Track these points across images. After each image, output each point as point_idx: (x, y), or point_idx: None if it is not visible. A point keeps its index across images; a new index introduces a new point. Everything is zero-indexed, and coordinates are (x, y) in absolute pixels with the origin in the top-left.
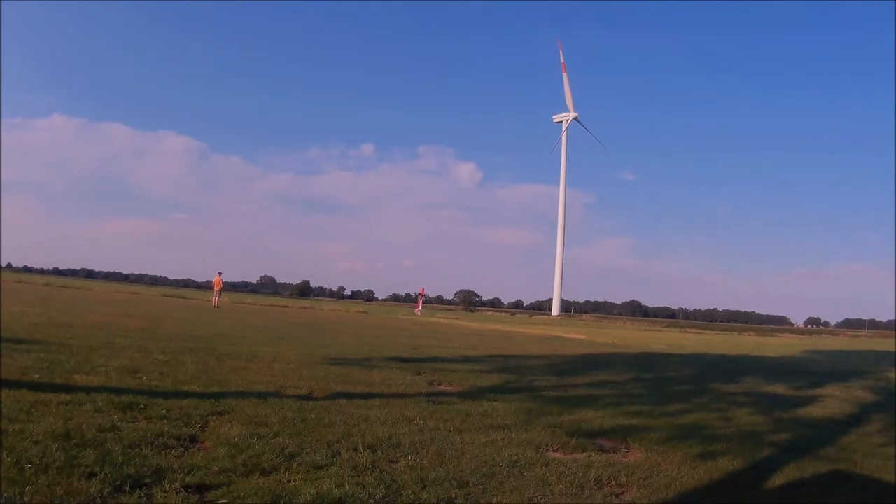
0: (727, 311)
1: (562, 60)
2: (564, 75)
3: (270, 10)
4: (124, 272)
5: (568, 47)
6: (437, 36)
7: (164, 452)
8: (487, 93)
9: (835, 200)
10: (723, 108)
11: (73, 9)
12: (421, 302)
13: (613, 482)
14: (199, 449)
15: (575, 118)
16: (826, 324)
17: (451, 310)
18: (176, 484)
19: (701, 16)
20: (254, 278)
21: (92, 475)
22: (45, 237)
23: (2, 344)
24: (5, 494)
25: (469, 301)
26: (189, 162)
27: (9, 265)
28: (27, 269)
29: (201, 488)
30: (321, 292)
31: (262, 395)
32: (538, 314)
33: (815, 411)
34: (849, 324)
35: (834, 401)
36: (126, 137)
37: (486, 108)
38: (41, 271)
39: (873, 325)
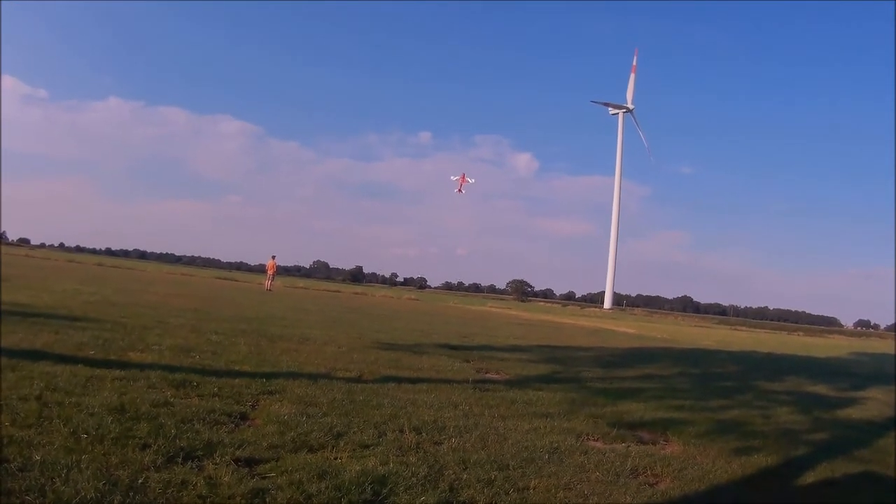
0: (778, 311)
1: (634, 63)
2: (632, 75)
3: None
4: (177, 254)
5: (627, 37)
6: (494, 23)
7: (215, 428)
8: (545, 83)
9: (890, 199)
10: (782, 101)
11: None
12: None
13: (649, 472)
14: (249, 426)
15: (629, 111)
16: (876, 326)
17: (502, 299)
18: (227, 457)
19: (761, 4)
20: (307, 263)
21: (146, 446)
22: (98, 217)
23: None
24: (63, 461)
25: (521, 291)
26: (245, 145)
27: (61, 245)
28: (79, 249)
29: (251, 462)
30: (373, 278)
31: (312, 377)
32: (589, 306)
33: (854, 413)
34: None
35: (875, 403)
36: (182, 120)
37: (543, 99)
38: (93, 251)
39: None
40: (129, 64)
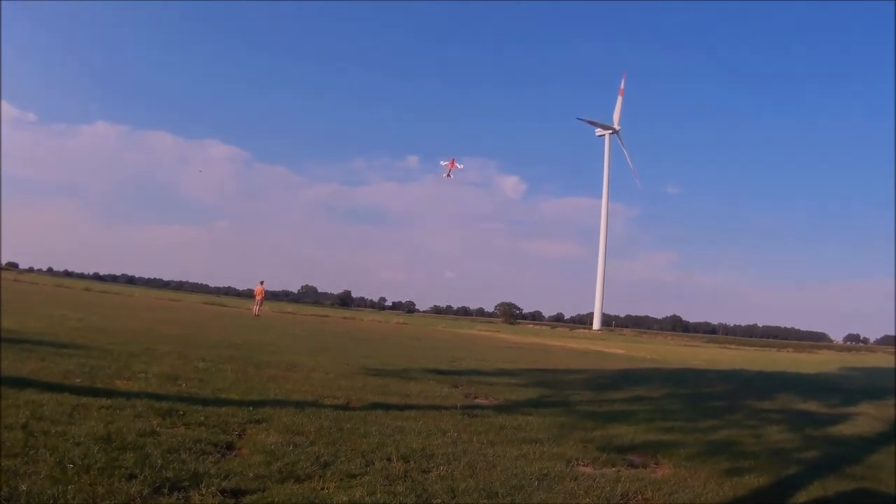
0: (767, 327)
1: (621, 87)
2: (620, 98)
3: (313, 21)
4: (165, 279)
5: (613, 59)
6: (481, 47)
7: (201, 458)
8: (531, 105)
9: (873, 213)
10: (767, 121)
11: (116, 15)
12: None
13: (640, 496)
14: (235, 455)
15: (616, 132)
16: (865, 340)
17: (491, 322)
18: (212, 488)
19: (747, 26)
20: (295, 287)
21: (132, 477)
22: (85, 242)
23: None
24: (49, 492)
25: (510, 314)
26: (233, 170)
27: (49, 269)
28: (67, 274)
29: (237, 493)
30: (362, 303)
31: (299, 405)
32: (579, 328)
33: (845, 429)
34: (888, 340)
35: (866, 418)
36: (170, 145)
37: (530, 122)
38: (81, 276)
39: None
40: (117, 88)
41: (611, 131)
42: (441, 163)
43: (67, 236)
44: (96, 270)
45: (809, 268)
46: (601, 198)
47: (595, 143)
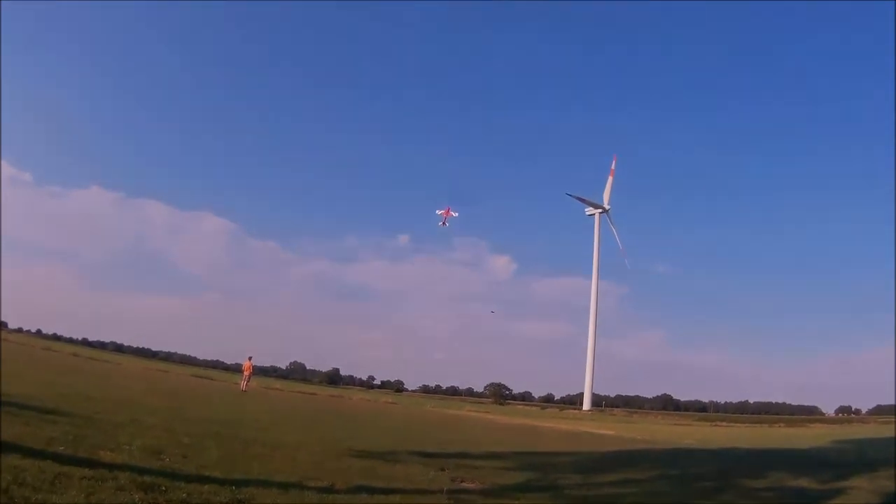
0: (758, 403)
1: (612, 167)
2: (610, 178)
3: (305, 99)
4: (153, 349)
5: (603, 137)
6: (470, 126)
7: None
8: (522, 185)
9: (860, 284)
10: (753, 200)
11: (115, 82)
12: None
13: None
14: None
15: (605, 211)
16: (858, 411)
17: (480, 402)
18: None
19: (731, 105)
20: (283, 363)
21: None
22: (75, 306)
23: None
24: None
25: (499, 394)
26: (225, 243)
27: (38, 331)
28: (56, 337)
29: None
30: (350, 381)
31: (283, 486)
32: (569, 408)
33: None
34: (881, 410)
35: (860, 493)
36: (163, 215)
37: (521, 201)
38: (70, 340)
39: None
40: (113, 153)
41: (600, 210)
42: (437, 212)
43: (57, 299)
44: (85, 336)
45: (799, 342)
46: (591, 277)
47: (586, 222)
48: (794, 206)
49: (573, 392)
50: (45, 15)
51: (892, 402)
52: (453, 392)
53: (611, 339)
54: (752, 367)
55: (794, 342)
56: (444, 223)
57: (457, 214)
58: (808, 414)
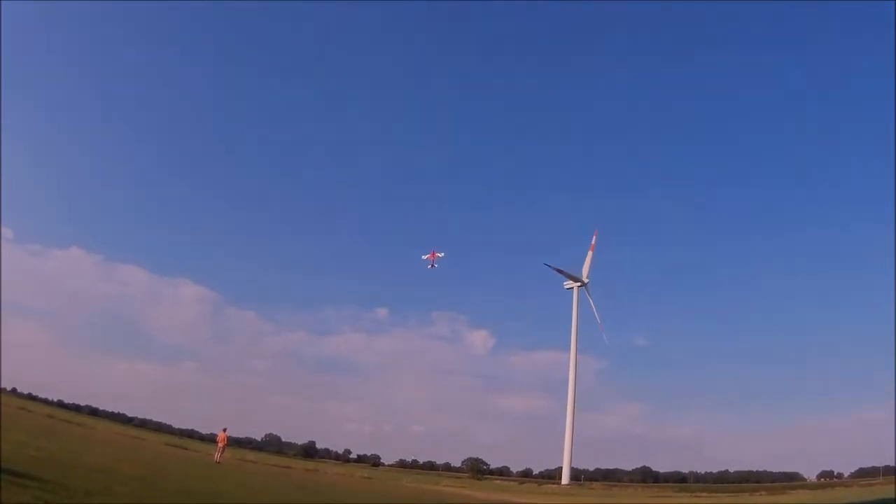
0: (738, 472)
1: (593, 242)
2: (590, 253)
3: (279, 171)
4: (129, 414)
5: (583, 214)
6: (447, 204)
7: None
8: (501, 260)
9: (835, 350)
10: (729, 274)
11: (103, 147)
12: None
13: None
14: None
15: (584, 285)
16: (840, 475)
17: (458, 477)
18: None
19: (710, 180)
20: (259, 435)
21: None
22: (52, 367)
23: (2, 476)
24: None
25: (477, 469)
26: (203, 312)
27: (14, 390)
28: (31, 397)
29: None
30: (326, 454)
31: None
32: (547, 483)
33: None
34: (863, 472)
35: None
36: (142, 280)
37: (500, 276)
38: (45, 401)
39: (888, 470)
40: (94, 216)
41: (579, 284)
42: (423, 257)
43: (35, 359)
44: (61, 398)
45: (779, 410)
46: (570, 351)
47: (565, 296)
48: (770, 282)
49: (552, 466)
50: (24, 76)
51: (874, 465)
52: (430, 467)
53: (590, 412)
54: (731, 436)
55: (773, 410)
56: (432, 265)
57: (443, 254)
58: (790, 480)
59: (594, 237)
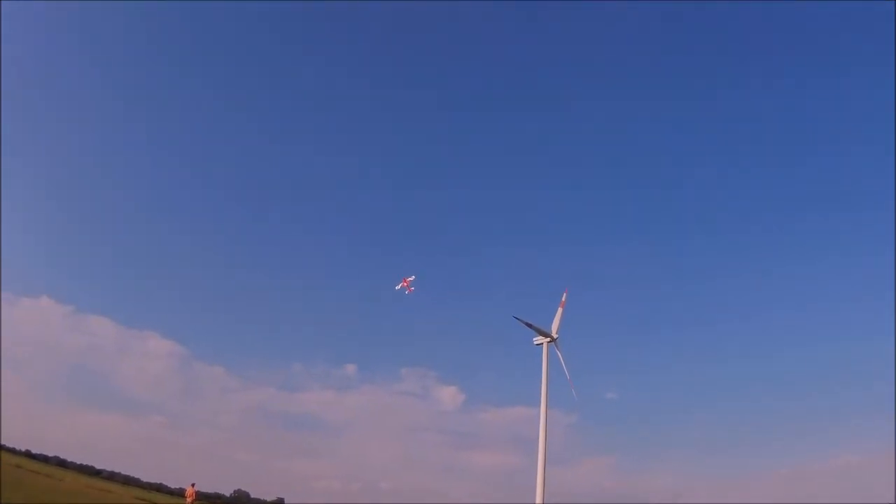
0: None
1: (563, 299)
2: (560, 310)
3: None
4: (97, 466)
5: (552, 267)
6: (417, 256)
7: None
8: (470, 317)
9: (808, 397)
10: (703, 325)
11: (67, 198)
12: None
13: None
14: None
15: (553, 340)
16: None
17: None
18: None
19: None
20: (227, 490)
21: None
22: (21, 417)
23: None
24: None
25: None
26: (171, 366)
27: None
28: None
29: None
30: None
31: None
32: None
33: None
34: None
35: None
36: (111, 332)
37: (469, 332)
38: (13, 451)
39: None
40: (63, 266)
41: (548, 339)
42: (396, 287)
43: (3, 408)
44: (28, 448)
45: (754, 459)
46: (540, 406)
47: (533, 352)
48: (739, 330)
49: None
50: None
51: None
52: None
53: (561, 467)
54: (706, 487)
55: (748, 458)
56: (409, 290)
57: (414, 277)
58: None
59: (564, 294)
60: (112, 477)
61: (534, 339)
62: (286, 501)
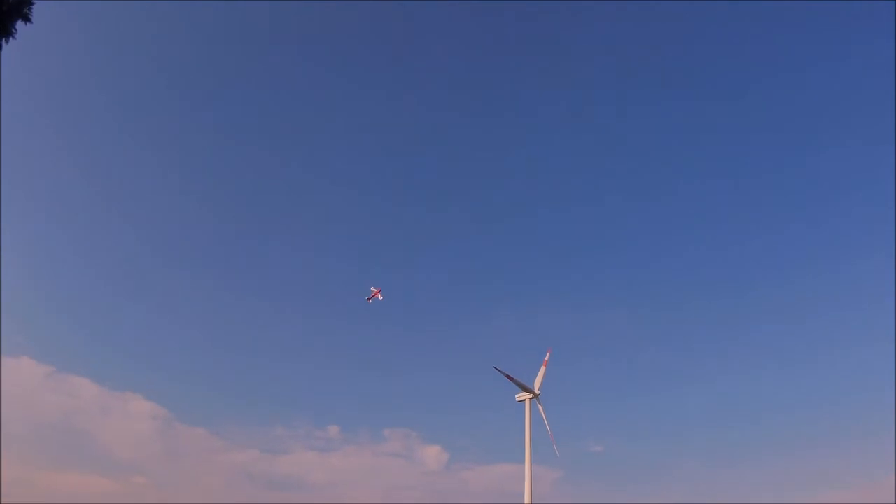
0: None
1: (546, 359)
2: (543, 368)
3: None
4: None
5: (533, 326)
6: (395, 315)
7: None
8: (452, 377)
9: (792, 432)
10: (680, 377)
11: (49, 255)
12: None
13: None
14: None
15: (535, 396)
16: None
17: None
18: None
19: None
20: None
21: None
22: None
23: None
24: None
25: None
26: (153, 427)
27: None
28: None
29: None
30: None
31: None
32: None
33: None
34: None
35: None
36: (92, 393)
37: (451, 391)
38: None
39: None
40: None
41: (531, 396)
42: (367, 300)
43: None
44: None
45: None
46: (524, 462)
47: (516, 409)
48: (722, 383)
49: None
50: None
51: None
52: None
53: None
54: None
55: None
56: (373, 298)
57: (379, 289)
58: None
59: (547, 354)
60: None
61: (516, 396)
62: None
